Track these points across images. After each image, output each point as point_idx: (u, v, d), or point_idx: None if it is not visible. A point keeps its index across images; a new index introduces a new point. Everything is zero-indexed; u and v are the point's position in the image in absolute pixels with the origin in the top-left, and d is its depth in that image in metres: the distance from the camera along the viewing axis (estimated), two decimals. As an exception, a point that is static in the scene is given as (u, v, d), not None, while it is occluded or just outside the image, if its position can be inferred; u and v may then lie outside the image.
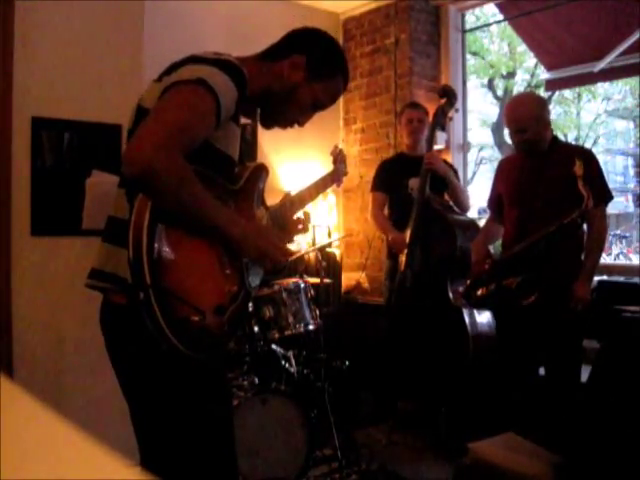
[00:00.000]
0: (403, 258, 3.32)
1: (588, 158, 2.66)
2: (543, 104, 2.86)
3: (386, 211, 3.70)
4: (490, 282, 2.73)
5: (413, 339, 3.25)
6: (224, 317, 1.33)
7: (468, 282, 2.91)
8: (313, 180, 1.89)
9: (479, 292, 2.77)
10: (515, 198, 2.78)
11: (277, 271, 1.55)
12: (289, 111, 1.56)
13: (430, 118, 3.56)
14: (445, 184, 3.49)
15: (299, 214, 1.77)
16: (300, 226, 1.74)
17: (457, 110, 3.59)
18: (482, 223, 3.58)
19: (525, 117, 2.70)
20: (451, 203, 3.52)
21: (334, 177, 1.94)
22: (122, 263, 1.28)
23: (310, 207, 4.37)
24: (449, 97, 3.37)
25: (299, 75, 1.51)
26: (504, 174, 2.92)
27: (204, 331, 1.26)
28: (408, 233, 3.31)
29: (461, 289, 3.20)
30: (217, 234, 1.32)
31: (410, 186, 3.50)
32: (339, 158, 1.97)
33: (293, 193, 1.78)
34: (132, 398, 1.42)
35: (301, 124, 1.61)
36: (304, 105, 1.55)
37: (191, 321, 1.23)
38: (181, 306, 1.22)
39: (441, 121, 3.42)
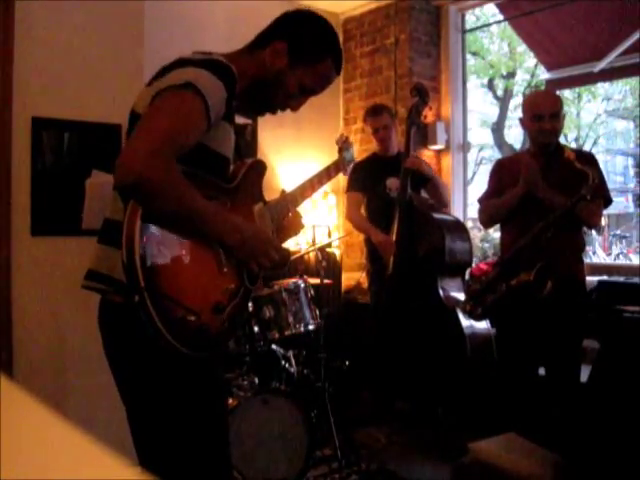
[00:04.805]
0: (390, 260, 3.27)
1: (590, 160, 2.66)
2: None
3: (363, 212, 3.65)
4: (499, 285, 2.68)
5: (407, 340, 3.25)
6: (223, 315, 1.33)
7: (474, 287, 2.81)
8: (315, 172, 1.86)
9: (489, 299, 2.71)
10: (522, 198, 2.74)
11: (276, 270, 1.54)
12: (276, 97, 1.54)
13: (394, 115, 3.57)
14: (422, 182, 3.47)
15: (298, 209, 1.75)
16: (300, 221, 1.73)
17: (431, 108, 3.55)
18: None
19: (560, 104, 2.75)
20: (431, 201, 3.51)
21: (339, 166, 1.88)
22: (117, 265, 1.28)
23: (310, 207, 4.37)
24: (421, 95, 3.33)
25: (281, 61, 1.48)
26: (509, 173, 2.85)
27: (202, 330, 1.27)
28: (393, 234, 3.27)
29: (454, 287, 3.19)
30: (211, 238, 1.32)
31: (387, 186, 3.46)
32: (345, 146, 1.92)
33: (292, 189, 1.76)
34: (128, 396, 1.42)
35: (294, 109, 1.58)
36: (290, 91, 1.52)
37: (188, 321, 1.24)
38: (176, 307, 1.22)
39: (416, 120, 3.38)
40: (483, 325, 3.10)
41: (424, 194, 3.56)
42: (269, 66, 1.49)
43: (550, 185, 2.64)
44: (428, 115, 3.88)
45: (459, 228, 3.34)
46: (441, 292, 3.17)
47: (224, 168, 1.45)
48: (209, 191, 1.33)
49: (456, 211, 4.31)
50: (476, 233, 5.49)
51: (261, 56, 1.49)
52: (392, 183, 3.41)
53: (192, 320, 1.24)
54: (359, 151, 4.66)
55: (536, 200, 2.64)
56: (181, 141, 1.23)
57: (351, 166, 1.99)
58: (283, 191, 1.72)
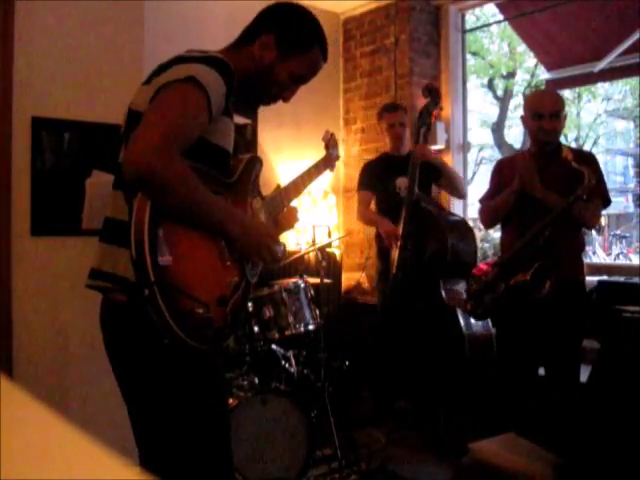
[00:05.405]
0: (395, 258, 3.29)
1: (589, 160, 2.66)
2: None
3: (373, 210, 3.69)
4: (498, 285, 2.68)
5: (409, 340, 3.25)
6: (227, 308, 1.35)
7: (473, 286, 2.82)
8: (306, 168, 1.88)
9: (487, 299, 2.71)
10: (521, 199, 2.74)
11: (273, 264, 1.56)
12: (268, 89, 1.56)
13: (410, 114, 3.58)
14: (434, 177, 3.48)
15: (293, 203, 1.79)
16: (296, 215, 1.77)
17: (442, 108, 3.56)
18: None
19: (561, 103, 2.75)
20: (446, 196, 3.51)
21: (327, 162, 1.92)
22: (120, 262, 1.29)
23: (309, 206, 4.37)
24: (433, 96, 3.35)
25: (271, 54, 1.51)
26: (510, 174, 2.84)
27: (208, 322, 1.29)
28: (399, 233, 3.30)
29: (456, 289, 3.19)
30: (216, 231, 1.35)
31: (397, 185, 3.48)
32: (331, 143, 1.96)
33: (285, 184, 1.79)
34: (131, 395, 1.43)
35: (286, 100, 1.61)
36: (282, 82, 1.55)
37: (196, 313, 1.26)
38: (185, 300, 1.24)
39: (426, 120, 3.39)
40: (484, 325, 3.10)
41: (435, 192, 3.57)
42: (259, 59, 1.51)
43: (549, 184, 2.64)
44: (439, 115, 3.91)
45: (464, 229, 3.33)
46: (443, 292, 3.17)
47: (225, 162, 1.48)
48: (212, 186, 1.35)
49: (456, 211, 4.31)
50: (476, 233, 5.49)
51: (250, 51, 1.52)
52: (402, 182, 3.42)
53: (200, 312, 1.26)
54: (359, 151, 4.67)
55: (535, 200, 2.64)
56: (186, 134, 1.26)
57: (337, 164, 2.02)
58: (278, 186, 1.76)
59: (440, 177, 3.48)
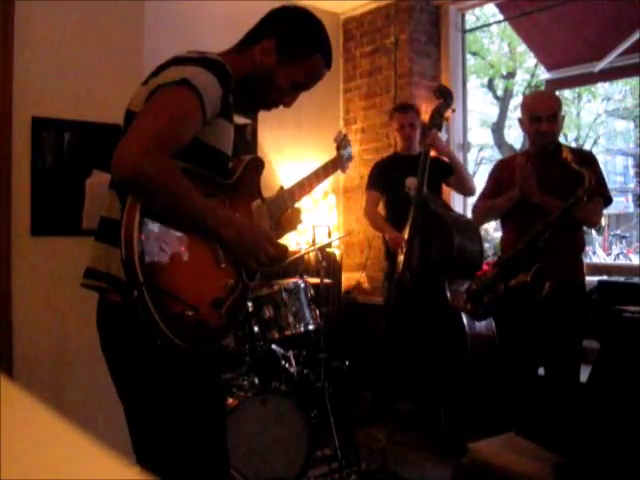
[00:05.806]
0: (401, 258, 3.31)
1: (589, 160, 2.66)
2: None
3: (382, 211, 3.70)
4: (497, 285, 2.67)
5: (412, 340, 3.25)
6: (222, 310, 1.34)
7: (473, 287, 2.81)
8: (313, 169, 1.85)
9: (486, 299, 2.71)
10: (522, 199, 2.74)
11: (274, 266, 1.55)
12: (268, 94, 1.55)
13: (421, 115, 3.59)
14: (444, 177, 3.49)
15: (296, 205, 1.76)
16: (299, 216, 1.74)
17: (454, 110, 3.57)
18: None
19: (558, 105, 2.74)
20: (448, 194, 3.51)
21: (337, 164, 1.88)
22: (115, 262, 1.29)
23: (309, 206, 4.37)
24: (445, 97, 3.35)
25: (270, 60, 1.50)
26: (508, 174, 2.84)
27: (200, 325, 1.28)
28: (406, 233, 3.31)
29: (461, 289, 3.19)
30: (209, 233, 1.34)
31: (407, 185, 3.50)
32: (343, 143, 1.92)
33: (289, 185, 1.76)
34: (127, 396, 1.42)
35: (287, 105, 1.59)
36: (282, 88, 1.53)
37: (186, 316, 1.25)
38: (174, 302, 1.23)
39: (437, 121, 3.39)
40: (487, 326, 3.09)
41: (444, 191, 3.58)
42: (258, 64, 1.50)
43: (549, 185, 2.64)
44: (451, 117, 3.91)
45: (471, 230, 3.32)
46: (448, 293, 3.17)
47: (223, 164, 1.47)
48: (208, 188, 1.35)
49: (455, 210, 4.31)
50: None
51: (251, 54, 1.51)
52: (411, 183, 3.43)
53: (190, 315, 1.25)
54: (359, 151, 4.67)
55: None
56: (176, 136, 1.25)
57: (351, 164, 1.99)
58: (281, 187, 1.74)
59: (450, 176, 3.49)
